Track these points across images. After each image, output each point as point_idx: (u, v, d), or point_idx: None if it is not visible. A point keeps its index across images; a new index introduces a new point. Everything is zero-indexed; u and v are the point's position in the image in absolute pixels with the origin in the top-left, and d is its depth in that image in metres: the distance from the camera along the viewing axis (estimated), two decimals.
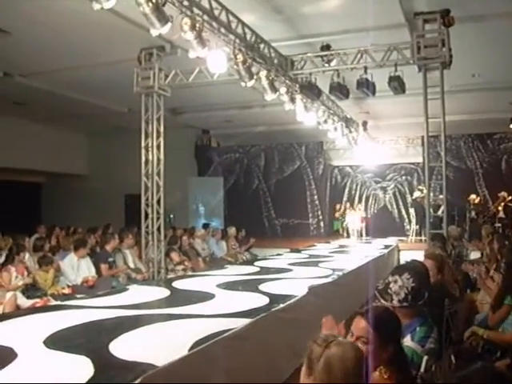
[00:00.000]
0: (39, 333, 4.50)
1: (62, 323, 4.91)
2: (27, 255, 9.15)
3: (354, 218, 17.79)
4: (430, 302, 3.59)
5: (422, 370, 3.00)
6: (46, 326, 4.78)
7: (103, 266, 9.51)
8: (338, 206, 19.30)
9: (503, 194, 15.83)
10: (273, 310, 5.51)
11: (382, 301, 3.47)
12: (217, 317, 5.16)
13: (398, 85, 10.09)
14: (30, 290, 7.87)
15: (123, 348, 4.05)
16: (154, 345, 4.23)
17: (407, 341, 3.19)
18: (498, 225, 14.81)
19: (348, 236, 17.68)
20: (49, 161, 18.54)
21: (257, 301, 5.99)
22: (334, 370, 2.11)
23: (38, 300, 7.60)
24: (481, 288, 6.41)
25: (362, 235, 17.67)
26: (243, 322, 4.84)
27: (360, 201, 19.94)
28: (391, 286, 3.48)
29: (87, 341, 4.31)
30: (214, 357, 4.07)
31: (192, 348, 3.98)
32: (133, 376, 3.29)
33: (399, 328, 2.89)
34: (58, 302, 7.01)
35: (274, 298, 6.09)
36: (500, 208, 15.68)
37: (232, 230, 14.60)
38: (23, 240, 10.16)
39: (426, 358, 3.07)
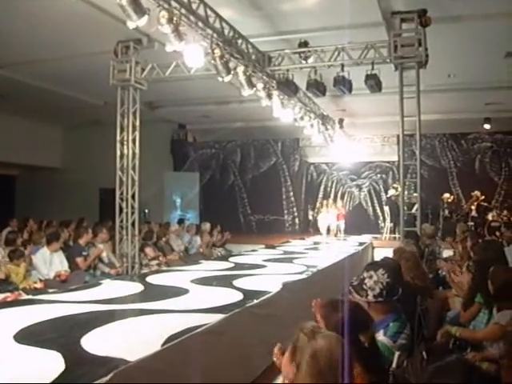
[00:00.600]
0: (9, 327, 4.44)
1: (33, 318, 4.85)
2: None
3: (329, 215, 17.76)
4: (403, 299, 3.62)
5: (394, 365, 3.02)
6: (16, 321, 4.71)
7: (79, 260, 9.43)
8: (324, 202, 19.06)
9: (476, 193, 16.02)
10: (247, 305, 5.52)
11: (357, 296, 3.48)
12: (191, 312, 5.15)
13: (374, 83, 10.15)
14: (2, 284, 7.76)
15: (95, 343, 4.01)
16: (127, 340, 4.20)
17: (380, 336, 3.21)
18: (470, 223, 14.98)
19: (319, 233, 17.61)
20: (23, 153, 18.25)
21: (231, 296, 5.99)
22: (320, 362, 2.14)
23: (8, 294, 7.49)
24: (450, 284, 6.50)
25: (338, 232, 17.54)
26: (217, 317, 4.83)
27: (335, 198, 19.85)
28: (366, 281, 3.50)
29: (59, 335, 4.26)
30: (188, 352, 4.06)
31: (165, 343, 3.96)
32: (105, 371, 3.25)
33: (359, 324, 2.79)
34: (30, 297, 6.92)
35: (248, 294, 6.09)
36: (473, 207, 15.87)
37: (206, 226, 14.54)
38: None
39: (397, 353, 3.09)
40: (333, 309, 2.82)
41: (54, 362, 3.51)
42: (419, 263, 5.29)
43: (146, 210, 17.21)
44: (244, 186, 21.12)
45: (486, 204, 15.89)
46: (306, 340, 2.23)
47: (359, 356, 2.68)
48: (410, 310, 4.17)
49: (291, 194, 20.54)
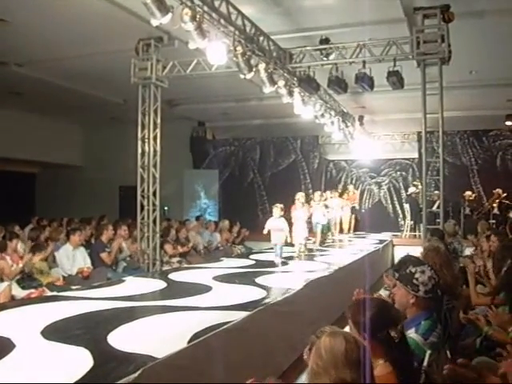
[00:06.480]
0: (36, 323, 4.50)
1: (58, 314, 4.91)
2: (20, 244, 9.09)
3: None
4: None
5: (425, 364, 2.99)
6: (42, 317, 4.78)
7: (104, 255, 9.45)
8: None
9: (498, 190, 15.82)
10: (270, 303, 5.52)
11: (404, 288, 3.42)
12: (215, 309, 5.17)
13: (396, 80, 10.03)
14: (26, 280, 7.83)
15: (122, 340, 4.05)
16: (153, 337, 4.24)
17: (411, 332, 3.17)
18: (492, 221, 14.82)
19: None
20: (44, 151, 18.40)
21: (254, 294, 6.01)
22: (323, 358, 2.14)
23: (33, 290, 7.56)
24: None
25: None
26: (241, 314, 4.84)
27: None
28: (417, 275, 3.41)
29: (85, 332, 4.31)
30: (214, 349, 4.07)
31: (191, 340, 3.98)
32: (133, 367, 3.29)
33: (389, 321, 2.76)
34: (54, 293, 6.99)
35: (271, 291, 6.11)
36: (495, 205, 15.68)
37: (226, 223, 14.56)
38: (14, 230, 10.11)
39: (429, 352, 3.05)
40: (360, 308, 2.80)
41: (82, 358, 3.55)
42: (451, 262, 5.21)
43: (166, 208, 17.25)
44: (263, 183, 21.05)
45: (507, 202, 15.69)
46: (316, 340, 2.24)
47: (390, 354, 2.65)
48: (438, 309, 4.12)
49: (310, 191, 20.40)
